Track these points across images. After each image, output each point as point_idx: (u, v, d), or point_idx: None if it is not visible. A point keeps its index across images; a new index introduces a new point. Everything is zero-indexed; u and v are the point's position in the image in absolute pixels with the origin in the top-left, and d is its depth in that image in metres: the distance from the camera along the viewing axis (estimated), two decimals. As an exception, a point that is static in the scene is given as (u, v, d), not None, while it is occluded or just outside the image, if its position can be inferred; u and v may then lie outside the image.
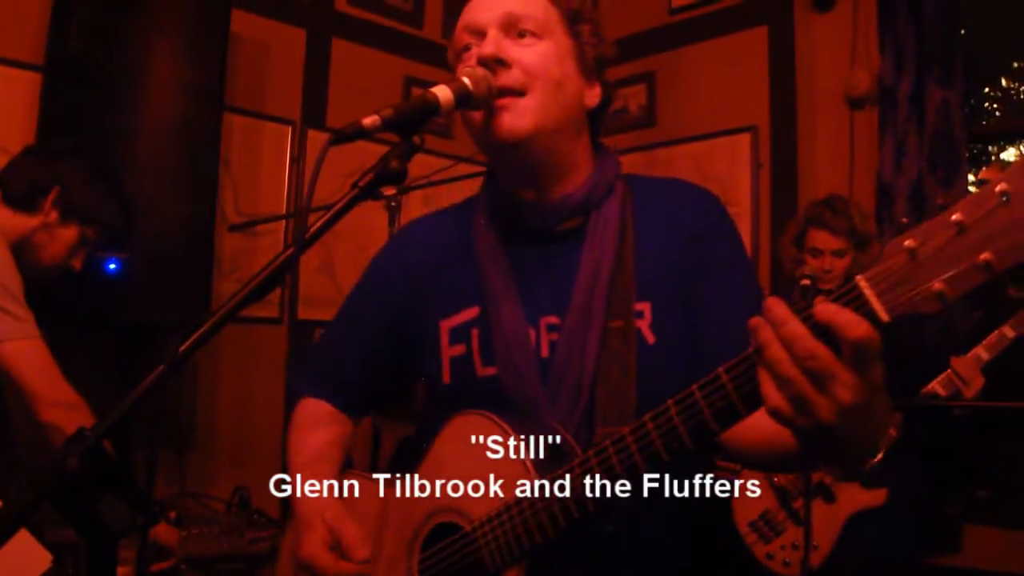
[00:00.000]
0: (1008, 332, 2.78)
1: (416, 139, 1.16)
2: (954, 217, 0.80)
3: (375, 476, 1.40)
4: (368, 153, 1.12)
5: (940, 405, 2.73)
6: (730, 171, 3.93)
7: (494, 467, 1.17)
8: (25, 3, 3.16)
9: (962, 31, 3.47)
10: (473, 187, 1.53)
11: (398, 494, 1.31)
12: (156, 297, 2.75)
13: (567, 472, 1.08)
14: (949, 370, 2.77)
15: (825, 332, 0.84)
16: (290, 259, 1.02)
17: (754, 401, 0.92)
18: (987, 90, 4.20)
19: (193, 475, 3.30)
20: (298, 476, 1.39)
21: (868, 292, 0.84)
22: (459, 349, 1.33)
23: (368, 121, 1.09)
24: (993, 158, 4.10)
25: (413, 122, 1.15)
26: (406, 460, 1.37)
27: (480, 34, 1.29)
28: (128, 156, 2.72)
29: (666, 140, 4.27)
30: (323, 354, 1.57)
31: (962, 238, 0.79)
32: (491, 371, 1.29)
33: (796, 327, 0.85)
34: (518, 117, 1.24)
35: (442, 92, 1.18)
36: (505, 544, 1.13)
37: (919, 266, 0.82)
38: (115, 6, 2.85)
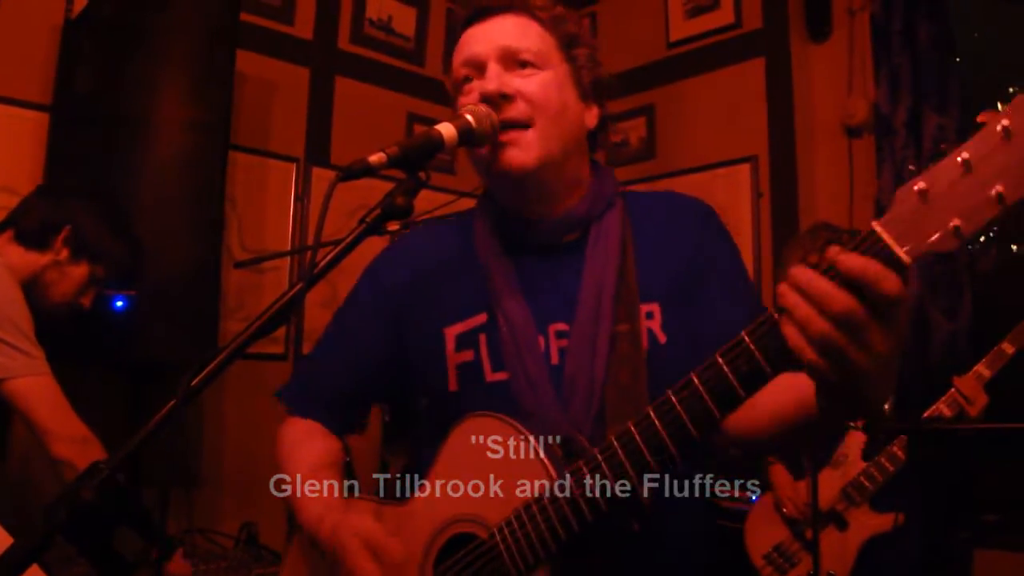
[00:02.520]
0: (1007, 348, 2.79)
1: (422, 175, 1.18)
2: (960, 157, 0.82)
3: (381, 498, 1.39)
4: (372, 190, 1.13)
5: (945, 428, 2.73)
6: (730, 201, 3.96)
7: (510, 468, 1.16)
8: (33, 43, 3.22)
9: (957, 58, 3.51)
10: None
11: (406, 510, 1.31)
12: (164, 335, 2.76)
13: (585, 468, 1.09)
14: (952, 390, 2.78)
15: (850, 283, 0.85)
16: (299, 294, 1.04)
17: (780, 360, 0.94)
18: (983, 117, 4.22)
19: (200, 511, 3.29)
20: (306, 480, 1.36)
21: (887, 237, 0.85)
22: (467, 355, 1.34)
23: (374, 159, 1.12)
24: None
25: (418, 159, 1.17)
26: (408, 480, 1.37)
27: (479, 67, 1.32)
28: (135, 195, 2.74)
29: (666, 172, 4.30)
30: (312, 372, 1.54)
31: (970, 176, 0.82)
32: (501, 376, 1.30)
33: (824, 284, 0.86)
34: (524, 151, 1.28)
35: (446, 129, 1.21)
36: (528, 547, 1.13)
37: (932, 207, 0.83)
38: (122, 46, 2.89)
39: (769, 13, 4.00)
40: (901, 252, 0.84)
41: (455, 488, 1.24)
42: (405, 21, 4.52)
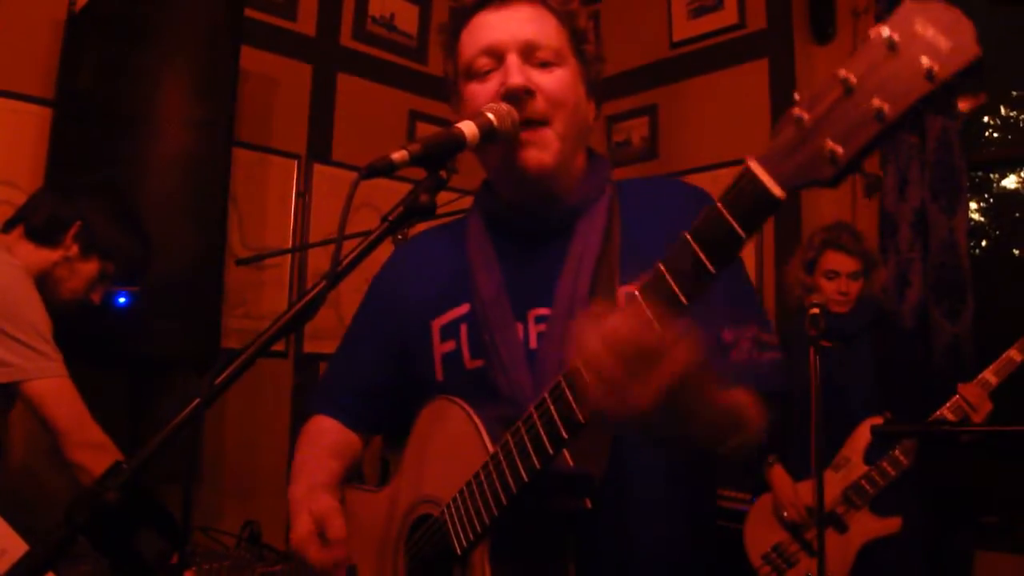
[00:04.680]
0: (1015, 356, 2.79)
1: (443, 173, 1.17)
2: (840, 74, 0.74)
3: (370, 487, 1.50)
4: (375, 188, 1.11)
5: (947, 431, 2.73)
6: (733, 201, 3.96)
7: (457, 447, 1.19)
8: (36, 38, 3.21)
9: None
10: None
11: (387, 494, 1.39)
12: (166, 331, 2.75)
13: (511, 439, 1.08)
14: (957, 396, 2.78)
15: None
16: (322, 292, 1.03)
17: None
18: (986, 118, 4.24)
19: (201, 510, 3.28)
20: (306, 461, 1.45)
21: (759, 171, 0.80)
22: (449, 345, 1.35)
23: (397, 156, 1.10)
24: (994, 185, 4.14)
25: (440, 157, 1.16)
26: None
27: (499, 57, 1.29)
28: (138, 191, 2.72)
29: (669, 172, 4.30)
30: (332, 374, 1.62)
31: (851, 96, 0.74)
32: (478, 363, 1.31)
33: (593, 343, 0.90)
34: (544, 151, 1.27)
35: (467, 128, 1.19)
36: (468, 522, 1.13)
37: (809, 132, 0.77)
38: (125, 42, 2.88)
39: (773, 14, 4.00)
40: (773, 184, 0.79)
41: (418, 471, 1.29)
42: (408, 18, 4.51)
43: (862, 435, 2.90)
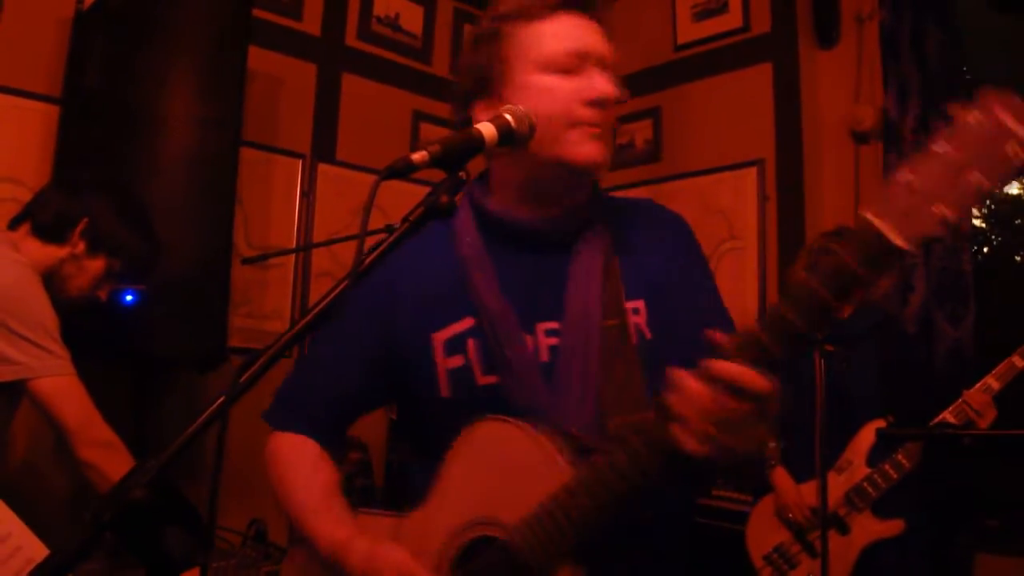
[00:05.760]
0: (1018, 362, 2.80)
1: (462, 174, 1.18)
2: (938, 149, 0.91)
3: (382, 512, 1.39)
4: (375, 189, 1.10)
5: (949, 434, 2.74)
6: (736, 204, 3.97)
7: (525, 468, 1.18)
8: (43, 35, 3.21)
9: (964, 67, 3.53)
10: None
11: (419, 520, 1.31)
12: (172, 330, 2.75)
13: (603, 460, 1.12)
14: (960, 400, 2.79)
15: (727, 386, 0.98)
16: (345, 292, 1.04)
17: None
18: (989, 125, 4.24)
19: (205, 507, 3.27)
20: (317, 504, 1.35)
21: (881, 225, 0.93)
22: (457, 361, 1.32)
23: (417, 156, 1.11)
24: (996, 192, 4.15)
25: (459, 157, 1.17)
26: (406, 489, 1.37)
27: (584, 60, 1.30)
28: (145, 189, 2.71)
29: (672, 174, 4.31)
30: (302, 383, 1.47)
31: (952, 169, 0.90)
32: (491, 380, 1.30)
33: (698, 387, 1.00)
34: (603, 149, 1.31)
35: (486, 129, 1.20)
36: (549, 542, 1.14)
37: (919, 196, 0.91)
38: (133, 40, 2.87)
39: (777, 18, 4.01)
40: (898, 238, 0.92)
41: (467, 493, 1.25)
42: (413, 19, 4.51)
43: (865, 438, 2.91)
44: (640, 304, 1.34)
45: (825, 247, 0.91)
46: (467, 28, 1.46)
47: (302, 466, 1.39)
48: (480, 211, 1.40)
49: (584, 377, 1.26)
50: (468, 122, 1.32)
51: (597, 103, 1.28)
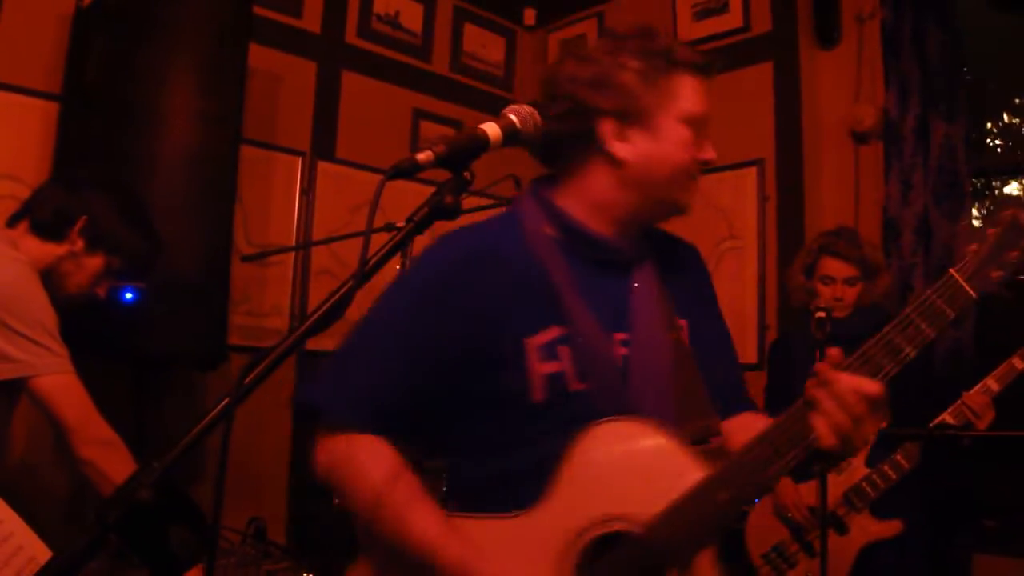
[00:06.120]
0: (1017, 364, 2.80)
1: (466, 174, 1.18)
2: (990, 232, 1.32)
3: (486, 515, 1.35)
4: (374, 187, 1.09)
5: (948, 435, 2.74)
6: (736, 204, 3.97)
7: (653, 466, 1.27)
8: (43, 32, 3.20)
9: (965, 67, 3.53)
10: (480, 218, 1.55)
11: (532, 521, 1.30)
12: (172, 328, 2.74)
13: (744, 454, 1.27)
14: (959, 401, 2.79)
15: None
16: (351, 291, 1.04)
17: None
18: (989, 125, 4.26)
19: (205, 506, 3.27)
20: (412, 516, 1.29)
21: (960, 279, 1.28)
22: (552, 367, 1.34)
23: (422, 156, 1.12)
24: (996, 192, 4.16)
25: (464, 158, 1.17)
26: (500, 491, 1.33)
27: (706, 122, 1.43)
28: (145, 186, 2.71)
29: (672, 173, 4.30)
30: (373, 385, 1.37)
31: (996, 245, 1.30)
32: (582, 387, 1.34)
33: (845, 387, 1.22)
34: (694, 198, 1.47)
35: (491, 129, 1.21)
36: (691, 534, 1.24)
37: (984, 261, 1.30)
38: (133, 37, 2.86)
39: (778, 17, 4.01)
40: (970, 290, 1.28)
41: (594, 491, 1.28)
42: (412, 17, 4.51)
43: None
44: (684, 322, 1.47)
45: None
46: (598, 41, 1.51)
47: (386, 468, 1.31)
48: (559, 217, 1.43)
49: (661, 384, 1.37)
50: (589, 131, 1.39)
51: (706, 164, 1.44)
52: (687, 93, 1.40)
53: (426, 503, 1.31)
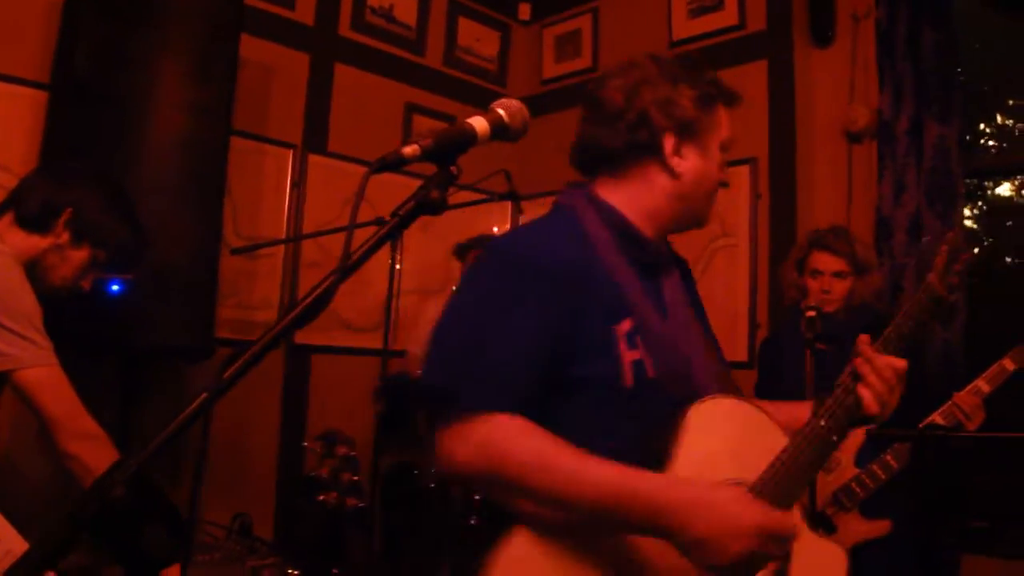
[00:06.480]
0: (1008, 365, 2.80)
1: (453, 169, 1.17)
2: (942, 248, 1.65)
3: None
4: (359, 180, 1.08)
5: (938, 436, 2.74)
6: (729, 202, 3.95)
7: (755, 435, 1.50)
8: (32, 20, 3.17)
9: (959, 69, 3.53)
10: (472, 213, 1.63)
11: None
12: (160, 320, 2.72)
13: (814, 423, 1.46)
14: (950, 402, 2.79)
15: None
16: (333, 285, 1.02)
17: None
18: (982, 126, 4.27)
19: (189, 500, 3.25)
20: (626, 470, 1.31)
21: (935, 283, 1.61)
22: (636, 354, 1.46)
23: (408, 150, 1.11)
24: (989, 192, 4.16)
25: (451, 152, 1.16)
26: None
27: (729, 149, 1.61)
28: (133, 177, 2.68)
29: (665, 170, 4.30)
30: (503, 363, 1.37)
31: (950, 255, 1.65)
32: (654, 374, 1.47)
33: (883, 363, 1.48)
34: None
35: (479, 123, 1.20)
36: (788, 490, 1.42)
37: (942, 272, 1.63)
38: (123, 26, 2.83)
39: (773, 16, 4.00)
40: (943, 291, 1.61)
41: (713, 458, 1.43)
42: (406, 10, 4.49)
43: (853, 438, 2.90)
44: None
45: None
46: (650, 63, 1.60)
47: (540, 435, 1.33)
48: (617, 221, 1.54)
49: (714, 370, 1.58)
50: (654, 144, 1.52)
51: (725, 185, 1.63)
52: (726, 121, 1.59)
53: (593, 457, 1.30)
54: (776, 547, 1.29)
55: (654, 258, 1.59)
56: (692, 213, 1.60)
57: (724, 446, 1.45)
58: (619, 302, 1.47)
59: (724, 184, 1.62)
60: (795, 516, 1.48)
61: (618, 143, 1.52)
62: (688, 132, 1.53)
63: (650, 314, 1.50)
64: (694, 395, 1.46)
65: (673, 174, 1.53)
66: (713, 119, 1.56)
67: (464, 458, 1.32)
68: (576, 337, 1.41)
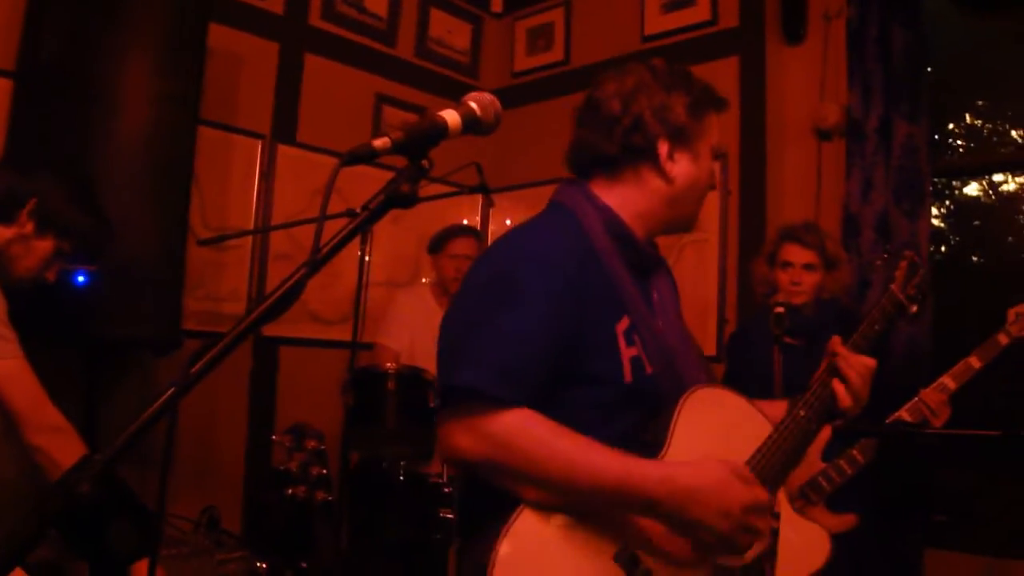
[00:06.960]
0: (974, 362, 2.82)
1: (424, 163, 1.16)
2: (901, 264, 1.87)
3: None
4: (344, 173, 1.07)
5: (904, 432, 2.77)
6: (699, 197, 3.97)
7: (741, 423, 1.59)
8: (-4, 7, 3.11)
9: (929, 68, 3.56)
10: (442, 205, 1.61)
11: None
12: (125, 312, 2.69)
13: (795, 413, 1.61)
14: (916, 399, 2.81)
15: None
16: (303, 279, 1.01)
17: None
18: (951, 126, 4.31)
19: (155, 494, 3.22)
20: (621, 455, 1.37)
21: (897, 292, 1.83)
22: (634, 351, 1.51)
23: (379, 143, 1.10)
24: (956, 192, 4.21)
25: (422, 145, 1.15)
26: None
27: (716, 155, 1.66)
28: (100, 167, 2.66)
29: (636, 165, 4.30)
30: (515, 354, 1.40)
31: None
32: (651, 370, 1.53)
33: (860, 362, 1.63)
34: None
35: (451, 116, 1.19)
36: (773, 474, 1.55)
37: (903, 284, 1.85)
38: (90, 14, 2.79)
39: (745, 12, 4.02)
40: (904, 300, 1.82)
41: (697, 444, 1.48)
42: (378, 0, 4.45)
43: (820, 432, 2.92)
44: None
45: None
46: (643, 70, 1.64)
47: (550, 424, 1.37)
48: (614, 223, 1.58)
49: (698, 364, 1.66)
50: (651, 149, 1.55)
51: (711, 189, 1.67)
52: (714, 130, 1.64)
53: (595, 445, 1.37)
54: (762, 521, 1.41)
55: (645, 258, 1.64)
56: (682, 216, 1.64)
57: (714, 432, 1.53)
58: (617, 300, 1.52)
59: (713, 187, 1.68)
60: (781, 500, 1.66)
61: (614, 147, 1.56)
62: (681, 138, 1.57)
63: (644, 312, 1.56)
64: (684, 386, 1.54)
65: (667, 178, 1.56)
66: (704, 125, 1.61)
67: (474, 448, 1.37)
68: (583, 335, 1.46)
